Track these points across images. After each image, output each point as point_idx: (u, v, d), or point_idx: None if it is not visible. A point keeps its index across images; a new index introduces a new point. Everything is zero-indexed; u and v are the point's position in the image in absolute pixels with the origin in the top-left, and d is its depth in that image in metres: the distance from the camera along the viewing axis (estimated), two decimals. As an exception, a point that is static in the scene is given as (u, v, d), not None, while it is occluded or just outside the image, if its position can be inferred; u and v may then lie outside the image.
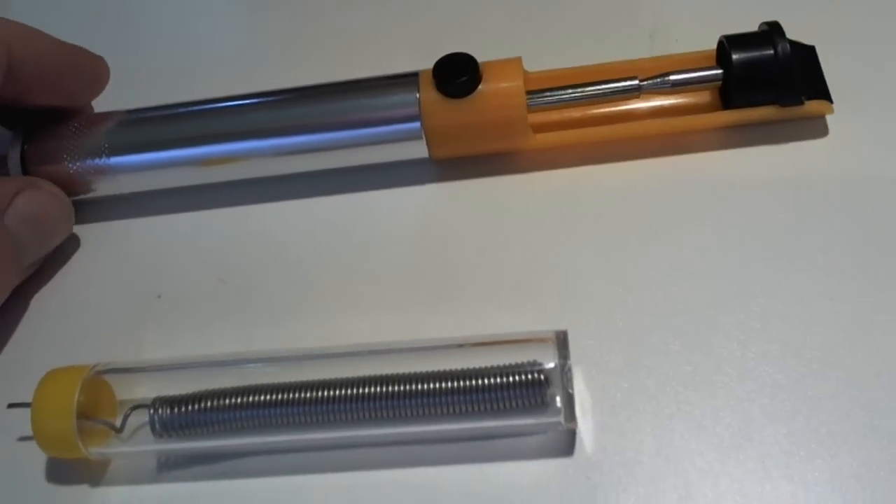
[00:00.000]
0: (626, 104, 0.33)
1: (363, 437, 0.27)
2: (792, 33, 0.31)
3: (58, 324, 0.32)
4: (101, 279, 0.33)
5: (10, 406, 0.28)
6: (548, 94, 0.32)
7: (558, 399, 0.25)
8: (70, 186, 0.34)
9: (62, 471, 0.28)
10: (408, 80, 0.32)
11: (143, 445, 0.27)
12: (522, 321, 0.28)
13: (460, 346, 0.27)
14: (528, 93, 0.31)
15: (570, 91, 0.32)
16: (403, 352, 0.27)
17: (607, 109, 0.33)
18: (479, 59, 0.32)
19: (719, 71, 0.31)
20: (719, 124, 0.32)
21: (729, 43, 0.31)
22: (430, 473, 0.26)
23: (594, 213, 0.31)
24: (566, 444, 0.26)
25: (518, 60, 0.32)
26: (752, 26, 0.32)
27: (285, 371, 0.27)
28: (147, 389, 0.28)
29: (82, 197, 0.34)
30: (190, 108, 0.34)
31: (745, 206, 0.30)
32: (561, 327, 0.26)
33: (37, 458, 0.28)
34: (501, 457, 0.26)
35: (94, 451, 0.27)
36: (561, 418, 0.25)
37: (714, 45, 0.32)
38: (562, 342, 0.26)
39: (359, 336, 0.29)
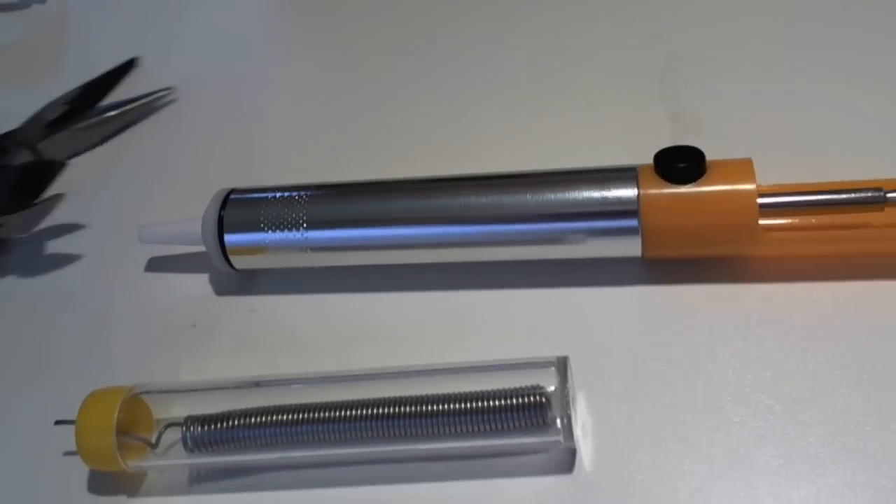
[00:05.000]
0: (866, 216, 0.30)
1: (376, 454, 0.29)
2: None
3: (100, 348, 0.35)
4: (139, 309, 0.36)
5: (57, 423, 0.30)
6: (780, 197, 0.30)
7: (558, 420, 0.27)
8: (261, 255, 0.34)
9: (103, 482, 0.30)
10: (625, 173, 0.31)
11: (176, 459, 0.29)
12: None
13: (468, 369, 0.29)
14: (759, 195, 0.30)
15: (804, 196, 0.30)
16: (415, 375, 0.29)
17: (843, 222, 0.30)
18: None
19: None
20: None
21: None
22: (438, 488, 0.28)
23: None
24: (567, 463, 0.28)
25: (748, 162, 0.30)
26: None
27: (306, 392, 0.29)
28: (181, 409, 0.30)
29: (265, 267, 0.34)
30: (390, 188, 0.33)
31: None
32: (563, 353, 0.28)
33: (80, 471, 0.30)
34: (506, 473, 0.28)
35: (132, 464, 0.29)
36: (560, 437, 0.27)
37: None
38: (562, 367, 0.27)
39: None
